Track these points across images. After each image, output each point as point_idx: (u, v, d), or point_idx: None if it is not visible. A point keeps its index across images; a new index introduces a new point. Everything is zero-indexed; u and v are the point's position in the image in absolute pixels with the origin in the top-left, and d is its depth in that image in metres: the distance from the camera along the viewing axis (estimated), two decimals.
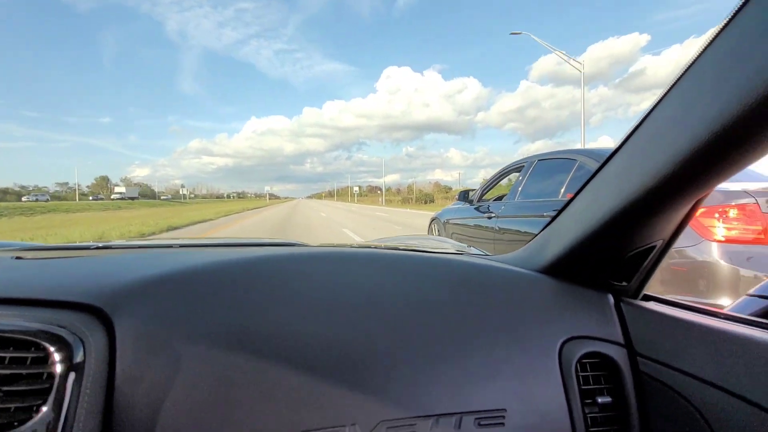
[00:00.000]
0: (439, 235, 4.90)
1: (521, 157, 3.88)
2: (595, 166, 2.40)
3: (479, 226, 3.89)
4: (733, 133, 0.38)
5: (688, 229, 2.11)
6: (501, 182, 4.24)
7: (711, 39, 0.40)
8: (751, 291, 0.68)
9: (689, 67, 0.42)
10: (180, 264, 0.59)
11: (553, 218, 0.70)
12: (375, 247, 0.78)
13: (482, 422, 0.54)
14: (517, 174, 3.67)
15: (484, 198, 4.21)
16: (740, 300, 0.67)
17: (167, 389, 0.47)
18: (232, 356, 0.49)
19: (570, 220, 0.65)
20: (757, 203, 1.90)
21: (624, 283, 0.64)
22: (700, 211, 2.05)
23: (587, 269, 0.65)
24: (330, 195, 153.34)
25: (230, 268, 0.59)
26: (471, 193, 4.36)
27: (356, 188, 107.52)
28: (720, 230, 1.94)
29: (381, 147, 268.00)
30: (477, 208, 4.05)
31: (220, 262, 0.60)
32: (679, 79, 0.44)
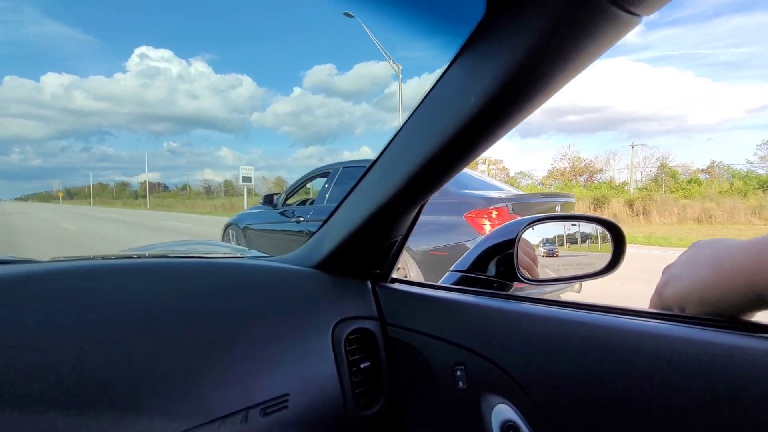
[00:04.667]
0: (237, 243, 4.50)
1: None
2: None
3: (287, 231, 3.78)
4: (433, 162, 0.53)
5: (469, 229, 2.67)
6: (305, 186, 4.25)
7: (426, 93, 0.53)
8: (452, 267, 0.81)
9: (414, 111, 0.55)
10: None
11: (325, 221, 0.78)
12: (137, 257, 0.71)
13: (267, 411, 0.57)
14: (323, 179, 3.75)
15: (287, 203, 4.11)
16: (447, 274, 0.81)
17: None
18: None
19: (338, 222, 0.75)
20: (507, 206, 2.68)
21: (378, 271, 0.79)
22: (475, 213, 2.64)
23: (353, 262, 0.77)
24: (69, 195, 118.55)
25: None
26: (276, 197, 4.18)
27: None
28: (487, 227, 2.63)
29: (134, 140, 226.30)
30: (282, 213, 3.92)
31: None
32: (407, 120, 0.57)
